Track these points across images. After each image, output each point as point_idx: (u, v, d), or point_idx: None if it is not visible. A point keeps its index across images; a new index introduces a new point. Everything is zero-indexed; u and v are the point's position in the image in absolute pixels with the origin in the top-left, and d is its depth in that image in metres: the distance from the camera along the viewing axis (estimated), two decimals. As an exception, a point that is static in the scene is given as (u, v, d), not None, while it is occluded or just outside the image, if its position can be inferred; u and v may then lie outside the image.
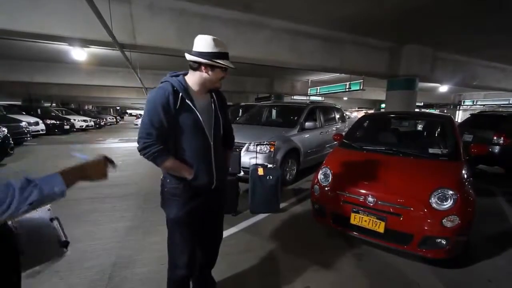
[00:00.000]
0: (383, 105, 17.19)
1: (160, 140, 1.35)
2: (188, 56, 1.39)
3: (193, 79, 1.44)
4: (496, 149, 5.27)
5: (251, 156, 3.99)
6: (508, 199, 4.20)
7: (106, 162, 1.04)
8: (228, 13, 4.96)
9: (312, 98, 15.19)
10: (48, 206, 1.10)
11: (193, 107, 1.39)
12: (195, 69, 1.41)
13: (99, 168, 1.02)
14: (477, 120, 6.39)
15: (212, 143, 1.47)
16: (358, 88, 10.32)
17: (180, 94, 1.37)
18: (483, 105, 20.47)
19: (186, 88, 1.40)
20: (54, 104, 20.78)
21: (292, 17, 5.32)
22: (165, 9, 4.58)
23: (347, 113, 17.68)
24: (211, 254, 1.78)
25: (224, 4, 4.73)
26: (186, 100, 1.38)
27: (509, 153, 5.26)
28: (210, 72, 1.40)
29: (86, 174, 0.96)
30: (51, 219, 1.13)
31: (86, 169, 0.97)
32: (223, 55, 1.39)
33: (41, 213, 1.10)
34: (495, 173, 5.91)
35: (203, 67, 1.39)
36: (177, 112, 1.36)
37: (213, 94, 1.54)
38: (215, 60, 1.36)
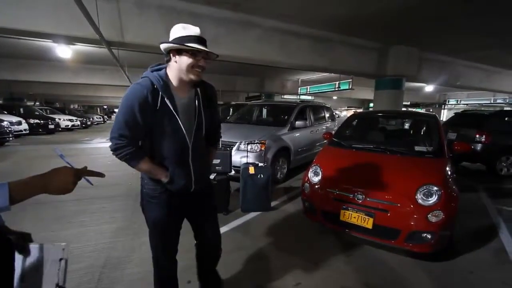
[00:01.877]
0: (371, 104, 17.51)
1: (134, 141, 1.27)
2: (161, 46, 1.29)
3: (170, 73, 1.32)
4: (478, 146, 5.48)
5: (242, 155, 4.00)
6: (489, 195, 4.38)
7: (75, 174, 0.89)
8: (219, 12, 4.93)
9: (302, 97, 15.32)
10: (63, 245, 1.00)
11: (172, 108, 1.27)
12: (168, 61, 1.30)
13: (64, 181, 0.85)
14: (460, 119, 6.62)
15: (190, 145, 1.35)
16: (347, 87, 10.50)
17: (160, 93, 1.25)
18: (467, 104, 21.21)
19: (166, 84, 1.27)
20: (37, 103, 20.10)
21: (282, 16, 5.35)
22: (154, 7, 4.51)
23: (337, 112, 17.92)
24: (210, 254, 1.73)
25: (214, 2, 4.71)
26: (165, 100, 1.26)
27: (490, 151, 5.49)
28: (177, 59, 1.25)
29: (47, 187, 0.82)
30: (61, 259, 1.01)
31: (47, 181, 0.82)
32: (192, 38, 1.22)
33: (54, 247, 1.00)
34: (477, 169, 6.14)
35: (171, 56, 1.27)
36: (155, 114, 1.25)
37: (198, 89, 1.39)
38: (182, 44, 1.21)
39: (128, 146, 1.24)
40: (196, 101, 1.38)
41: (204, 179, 1.50)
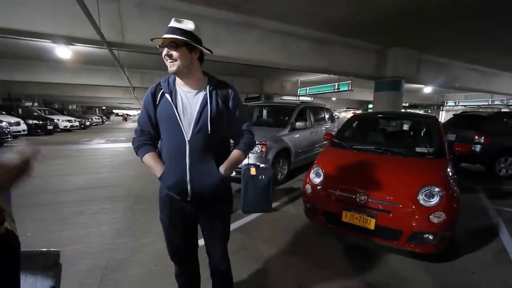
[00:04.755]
0: (370, 106, 17.58)
1: (145, 137, 1.35)
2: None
3: None
4: (478, 148, 5.50)
5: (243, 156, 3.99)
6: (488, 195, 4.40)
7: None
8: (219, 13, 4.94)
9: (302, 98, 15.35)
10: (58, 250, 0.98)
11: (170, 100, 1.28)
12: None
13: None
14: (459, 120, 6.65)
15: (188, 140, 1.27)
16: (346, 88, 10.55)
17: (162, 90, 1.32)
18: (465, 105, 21.31)
19: (171, 83, 1.33)
20: (36, 104, 20.02)
21: (282, 18, 5.37)
22: (155, 8, 4.52)
23: (336, 113, 17.97)
24: (217, 280, 1.62)
25: (215, 4, 4.72)
26: (165, 94, 1.31)
27: (489, 152, 5.51)
28: None
29: None
30: (56, 264, 1.00)
31: None
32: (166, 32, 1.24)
33: (49, 253, 1.00)
34: (477, 170, 6.17)
35: None
36: (157, 108, 1.32)
37: (208, 85, 1.34)
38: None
39: (138, 140, 1.35)
40: (202, 97, 1.32)
41: (207, 183, 1.31)
